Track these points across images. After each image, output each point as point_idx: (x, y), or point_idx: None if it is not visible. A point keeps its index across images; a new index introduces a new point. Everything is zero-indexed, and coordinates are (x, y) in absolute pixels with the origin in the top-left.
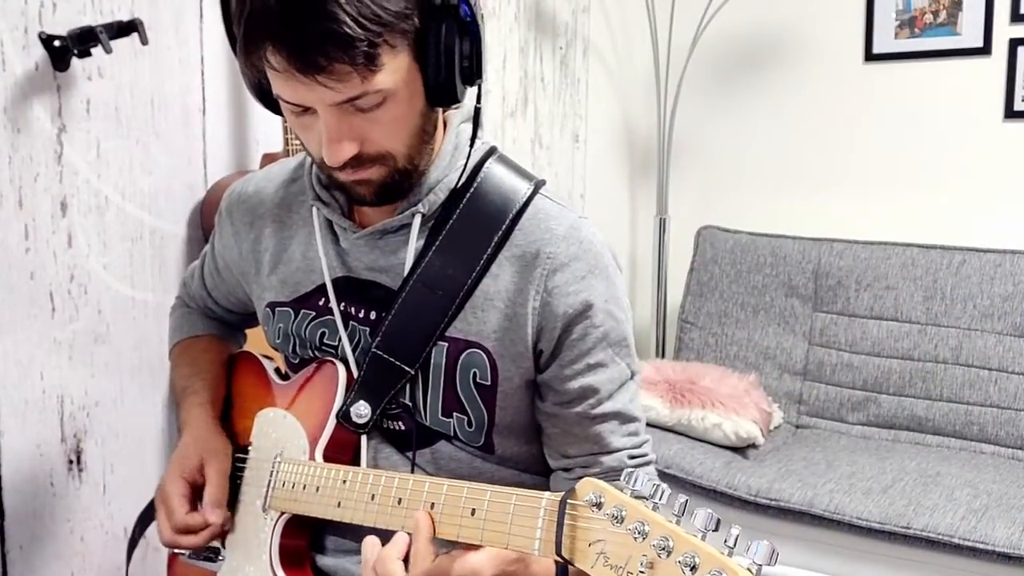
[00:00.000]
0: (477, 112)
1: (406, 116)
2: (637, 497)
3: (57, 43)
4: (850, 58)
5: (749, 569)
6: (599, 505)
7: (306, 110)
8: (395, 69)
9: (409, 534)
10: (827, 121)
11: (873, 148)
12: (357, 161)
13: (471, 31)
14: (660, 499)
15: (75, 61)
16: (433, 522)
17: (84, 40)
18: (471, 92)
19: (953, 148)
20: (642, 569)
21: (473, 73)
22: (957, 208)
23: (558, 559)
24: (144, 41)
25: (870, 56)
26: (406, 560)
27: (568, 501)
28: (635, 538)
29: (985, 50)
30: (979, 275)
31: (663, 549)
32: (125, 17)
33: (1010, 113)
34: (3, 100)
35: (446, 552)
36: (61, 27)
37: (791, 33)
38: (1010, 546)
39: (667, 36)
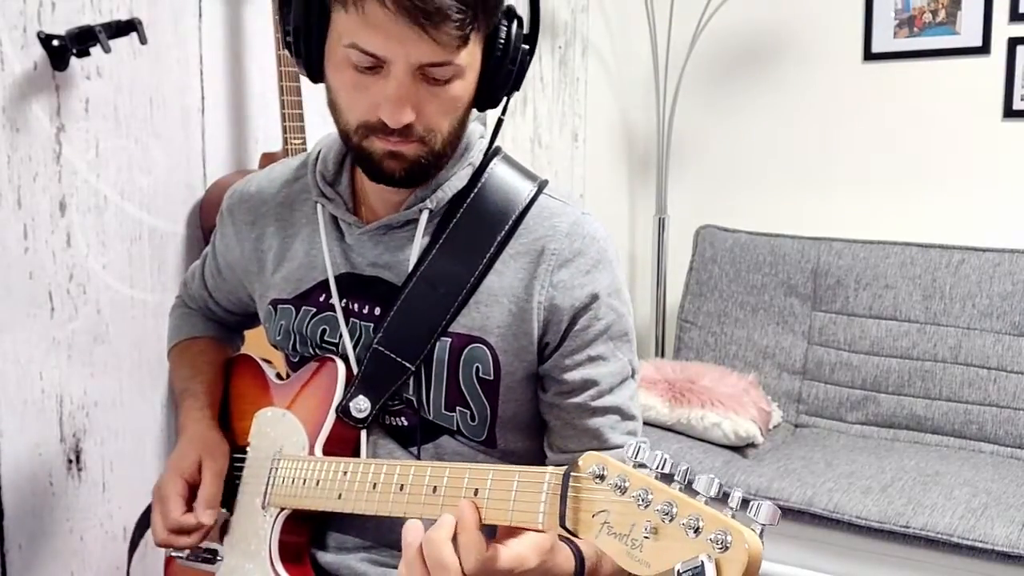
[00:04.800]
0: (499, 122)
1: (462, 100)
2: (639, 467)
3: (56, 42)
4: (849, 57)
5: (752, 529)
6: (602, 477)
7: (374, 68)
8: (472, 52)
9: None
10: (826, 120)
11: (872, 147)
12: (406, 131)
13: (530, 47)
14: (663, 467)
15: (74, 60)
16: (479, 510)
17: (83, 39)
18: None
19: (952, 147)
20: (647, 535)
21: (517, 85)
22: (956, 207)
23: (563, 532)
24: (143, 40)
25: (869, 55)
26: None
27: (571, 474)
28: (639, 506)
29: (984, 49)
30: (978, 274)
31: (666, 514)
32: (124, 16)
33: (1009, 112)
34: (2, 100)
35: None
36: (60, 26)
37: (790, 32)
38: (1009, 545)
39: (666, 35)
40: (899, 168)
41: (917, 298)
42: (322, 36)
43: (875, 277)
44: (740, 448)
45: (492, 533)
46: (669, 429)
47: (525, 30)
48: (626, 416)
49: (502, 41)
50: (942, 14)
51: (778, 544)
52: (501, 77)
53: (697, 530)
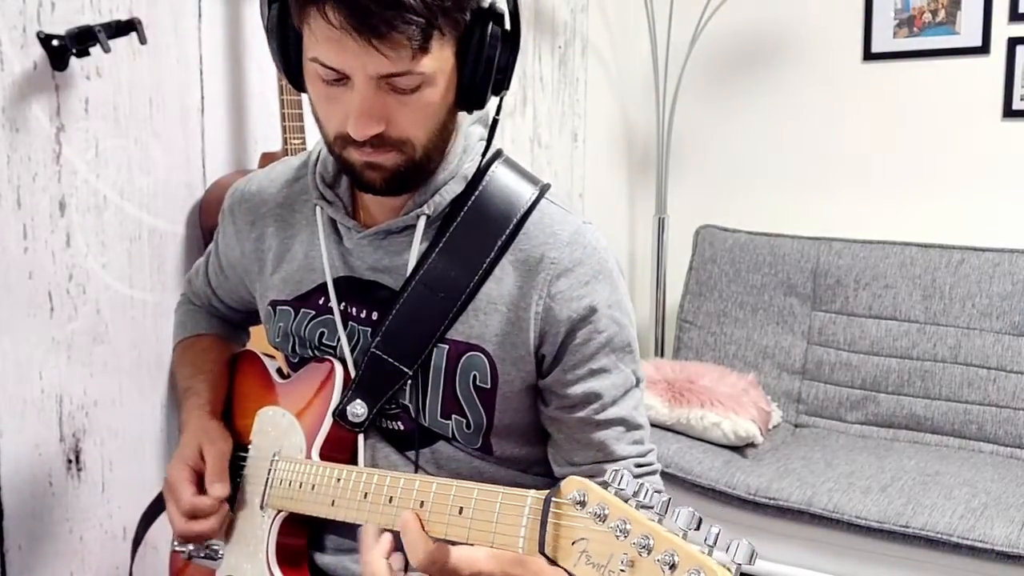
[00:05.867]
0: (495, 123)
1: (435, 107)
2: (621, 496)
3: (56, 42)
4: (849, 57)
5: (728, 568)
6: (583, 503)
7: (340, 80)
8: (439, 57)
9: (395, 533)
10: (826, 120)
11: (872, 147)
12: (378, 141)
13: (512, 44)
14: (644, 498)
15: (74, 60)
16: (421, 519)
17: (83, 39)
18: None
19: (952, 147)
20: (623, 567)
21: (502, 85)
22: (956, 207)
23: (543, 557)
24: (143, 40)
25: (869, 55)
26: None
27: (552, 499)
28: (617, 536)
29: (984, 49)
30: (977, 274)
31: (643, 548)
32: (124, 16)
33: (1008, 112)
34: (2, 100)
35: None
36: (60, 26)
37: (790, 32)
38: (1008, 545)
39: (666, 35)
40: (899, 168)
41: (917, 298)
42: (299, 50)
43: (875, 277)
44: (740, 448)
45: None
46: (669, 429)
47: (506, 27)
48: (631, 426)
49: (476, 42)
50: (942, 14)
51: (778, 544)
52: (480, 79)
53: (673, 566)
